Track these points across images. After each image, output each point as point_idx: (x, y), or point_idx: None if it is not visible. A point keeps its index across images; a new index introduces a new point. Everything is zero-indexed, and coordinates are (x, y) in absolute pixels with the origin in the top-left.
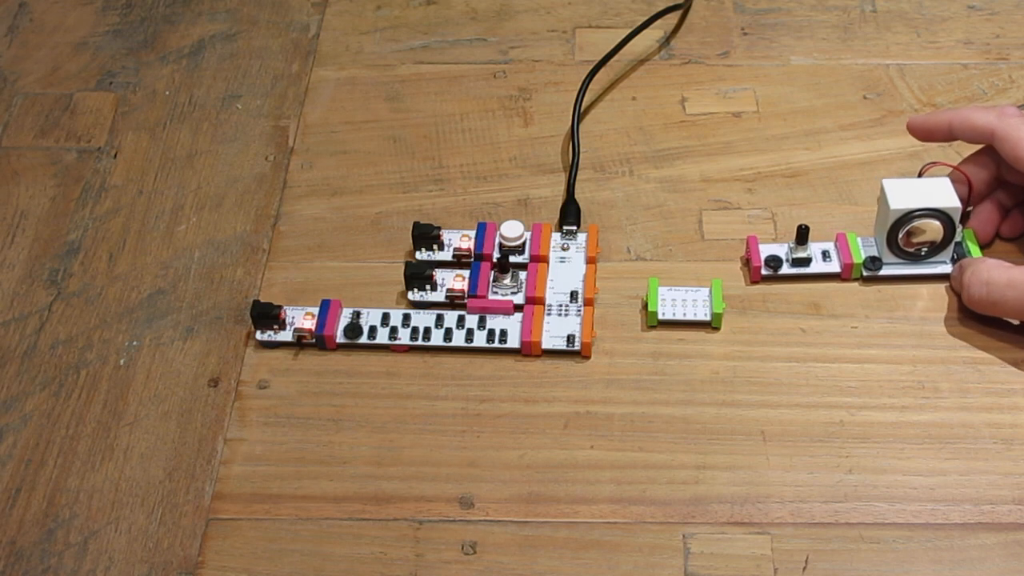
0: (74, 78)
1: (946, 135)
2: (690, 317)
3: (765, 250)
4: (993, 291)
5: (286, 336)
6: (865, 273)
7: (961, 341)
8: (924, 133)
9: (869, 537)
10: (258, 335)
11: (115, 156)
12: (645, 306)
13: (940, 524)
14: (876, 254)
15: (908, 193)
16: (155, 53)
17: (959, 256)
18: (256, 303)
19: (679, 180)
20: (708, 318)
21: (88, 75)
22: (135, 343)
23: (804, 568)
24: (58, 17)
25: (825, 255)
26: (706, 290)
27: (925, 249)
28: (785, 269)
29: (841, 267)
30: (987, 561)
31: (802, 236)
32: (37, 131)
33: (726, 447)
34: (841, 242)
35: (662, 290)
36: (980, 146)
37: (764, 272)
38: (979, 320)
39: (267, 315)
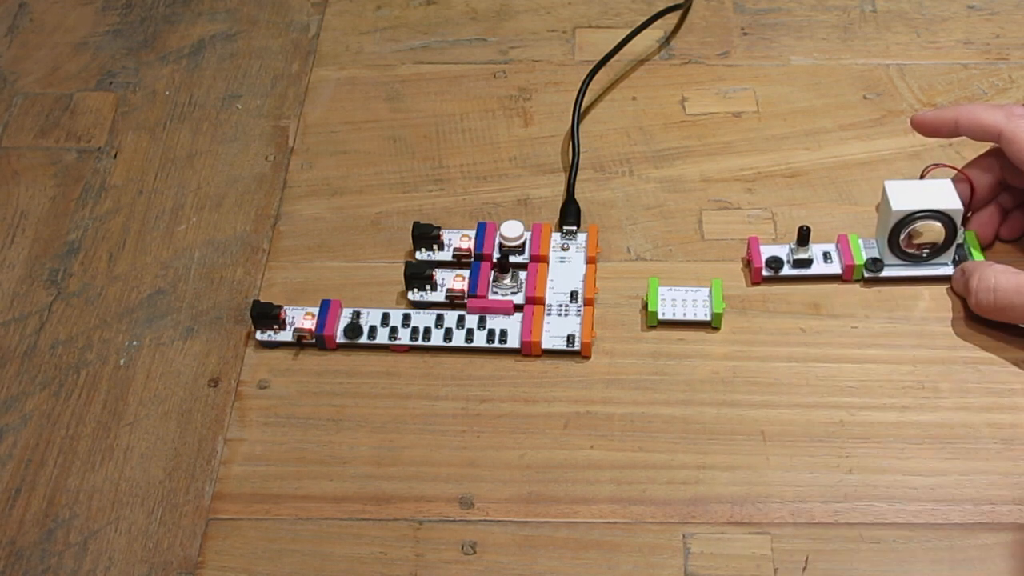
0: (74, 78)
1: (951, 131)
2: (690, 317)
3: (766, 251)
4: (1001, 297)
5: (286, 336)
6: (866, 275)
7: (961, 341)
8: (929, 129)
9: (869, 537)
10: (258, 335)
11: (115, 156)
12: (645, 306)
13: (940, 524)
14: (877, 255)
15: (910, 194)
16: (155, 53)
17: (960, 258)
18: (256, 303)
19: (679, 180)
20: (708, 318)
21: (88, 75)
22: (135, 343)
23: (804, 568)
24: (58, 17)
25: (826, 256)
26: (706, 290)
27: (927, 251)
28: (786, 270)
29: (842, 268)
30: (987, 561)
31: (803, 237)
32: (37, 131)
33: (726, 447)
34: (842, 243)
35: (662, 290)
36: (983, 148)
37: (765, 273)
38: (979, 320)
39: (267, 315)
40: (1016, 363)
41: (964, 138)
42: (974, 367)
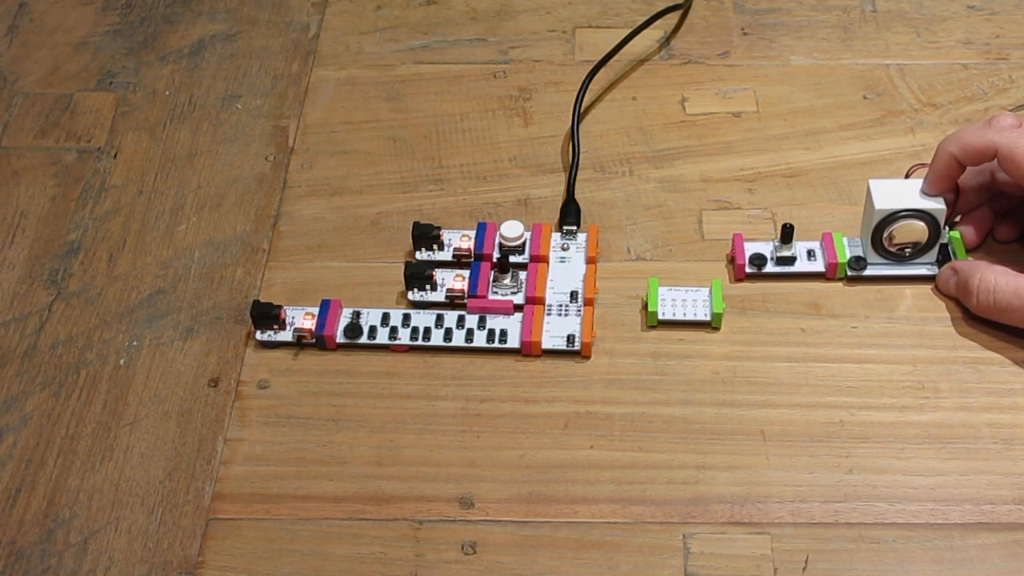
0: (74, 78)
1: (959, 170)
2: (690, 317)
3: (750, 248)
4: (1000, 299)
5: (286, 336)
6: (849, 273)
7: (961, 341)
8: (945, 183)
9: (869, 537)
10: (258, 335)
11: (115, 156)
12: (645, 306)
13: (940, 524)
14: (861, 254)
15: (893, 193)
16: (155, 53)
17: (944, 258)
18: (256, 303)
19: (679, 180)
20: (708, 318)
21: (88, 75)
22: (135, 343)
23: (804, 568)
24: (58, 17)
25: (810, 254)
26: (706, 290)
27: (909, 250)
28: (769, 267)
29: (826, 266)
30: (987, 561)
31: (786, 235)
32: (37, 131)
33: (726, 447)
34: (827, 241)
35: (662, 290)
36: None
37: (748, 270)
38: (978, 320)
39: (267, 315)
40: (1016, 363)
41: None
42: (974, 367)
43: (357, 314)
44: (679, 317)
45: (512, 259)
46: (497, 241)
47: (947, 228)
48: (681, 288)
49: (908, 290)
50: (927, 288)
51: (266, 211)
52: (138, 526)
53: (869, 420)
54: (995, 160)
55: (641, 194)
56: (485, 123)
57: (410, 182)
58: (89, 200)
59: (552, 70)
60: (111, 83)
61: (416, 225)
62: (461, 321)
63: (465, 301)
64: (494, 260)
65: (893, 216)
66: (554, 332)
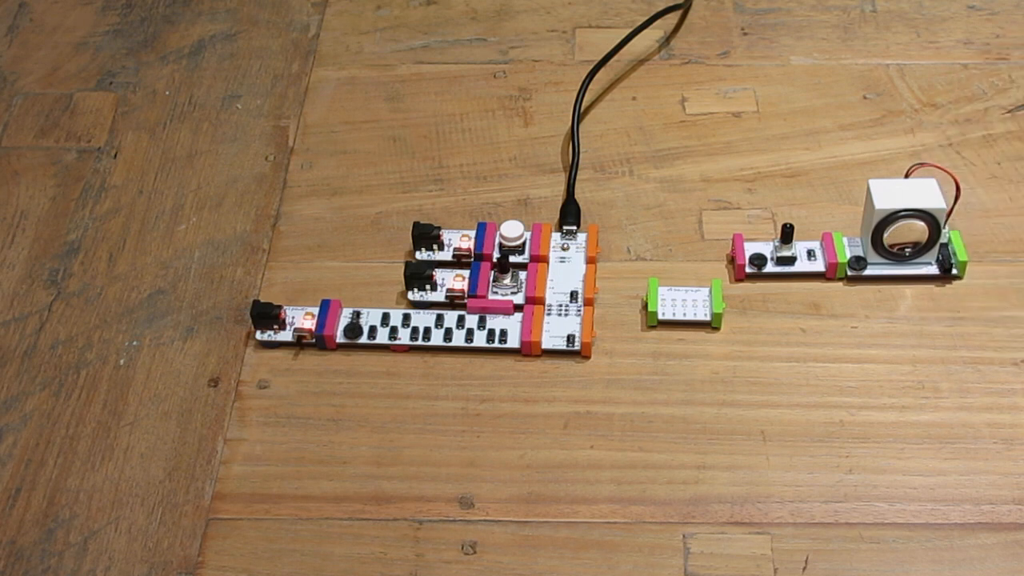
0: (74, 78)
1: None
2: (690, 317)
3: (750, 248)
4: None
5: (286, 336)
6: (849, 273)
7: (961, 341)
8: None
9: (869, 537)
10: (258, 335)
11: (115, 156)
12: (645, 306)
13: (940, 524)
14: (861, 254)
15: (893, 193)
16: (155, 53)
17: (944, 258)
18: (256, 303)
19: (679, 180)
20: (708, 318)
21: (88, 75)
22: (135, 343)
23: (804, 568)
24: (58, 17)
25: (810, 254)
26: (706, 290)
27: (909, 250)
28: (769, 267)
29: (826, 266)
30: (987, 561)
31: (787, 235)
32: (37, 131)
33: (726, 447)
34: (827, 241)
35: (662, 290)
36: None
37: (748, 270)
38: (979, 320)
39: (267, 315)
40: (1016, 363)
41: (964, 138)
42: (974, 367)
43: (357, 314)
44: (679, 317)
45: (512, 259)
46: (497, 241)
47: (947, 228)
48: (681, 288)
49: (908, 290)
50: (927, 288)
51: (266, 211)
52: (138, 526)
53: (869, 420)
54: None
55: (641, 194)
56: (485, 123)
57: (410, 182)
58: (89, 200)
59: (552, 70)
60: (111, 83)
61: (416, 225)
62: (461, 321)
63: (465, 301)
64: (494, 260)
65: (893, 216)
66: (554, 332)
